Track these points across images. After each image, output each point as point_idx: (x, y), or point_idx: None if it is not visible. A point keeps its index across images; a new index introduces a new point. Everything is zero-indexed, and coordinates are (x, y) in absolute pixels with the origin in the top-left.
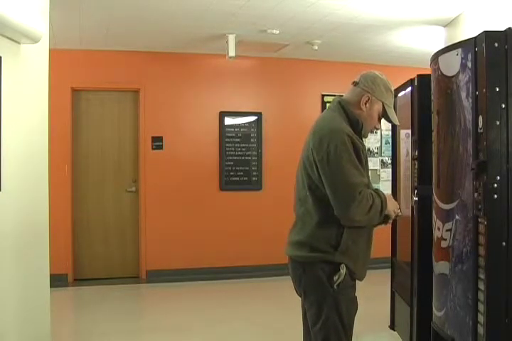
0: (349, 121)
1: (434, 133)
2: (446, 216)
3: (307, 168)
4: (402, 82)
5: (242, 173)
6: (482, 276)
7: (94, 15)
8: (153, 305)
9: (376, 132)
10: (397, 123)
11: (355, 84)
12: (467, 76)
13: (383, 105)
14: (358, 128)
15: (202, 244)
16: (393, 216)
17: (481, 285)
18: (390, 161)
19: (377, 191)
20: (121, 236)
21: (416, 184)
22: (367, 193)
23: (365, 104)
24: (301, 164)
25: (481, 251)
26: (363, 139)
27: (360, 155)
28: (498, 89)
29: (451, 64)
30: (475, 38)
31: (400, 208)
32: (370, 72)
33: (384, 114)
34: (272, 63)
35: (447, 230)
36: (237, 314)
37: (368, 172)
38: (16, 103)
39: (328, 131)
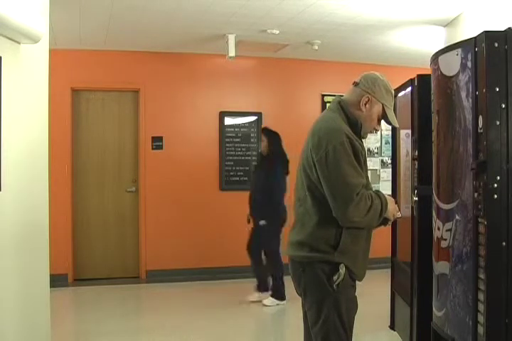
0: (348, 121)
1: (434, 133)
2: (446, 216)
3: (306, 169)
4: (402, 82)
5: (242, 173)
6: (482, 276)
7: (94, 15)
8: (153, 305)
9: (376, 132)
10: (396, 125)
11: (355, 84)
12: (467, 76)
13: (383, 107)
14: (357, 129)
15: (202, 243)
16: (392, 219)
17: (481, 285)
18: (390, 161)
19: (377, 193)
20: (121, 236)
21: (416, 184)
22: (365, 194)
23: (365, 104)
24: (301, 164)
25: (481, 251)
26: (362, 140)
27: (359, 156)
28: (498, 89)
29: (451, 64)
30: (475, 38)
31: (399, 210)
32: (371, 73)
33: (384, 116)
34: (272, 63)
35: (447, 230)
36: (237, 314)
37: (366, 173)
38: (16, 103)
39: (327, 131)
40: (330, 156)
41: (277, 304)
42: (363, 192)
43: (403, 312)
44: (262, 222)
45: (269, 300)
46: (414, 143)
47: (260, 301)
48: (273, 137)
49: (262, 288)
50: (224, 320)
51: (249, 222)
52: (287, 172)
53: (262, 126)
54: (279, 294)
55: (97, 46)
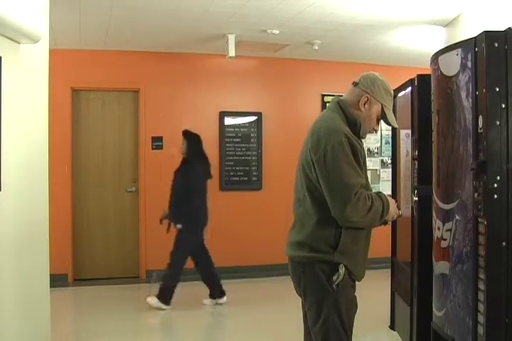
0: (347, 121)
1: (434, 133)
2: (446, 216)
3: (305, 169)
4: (402, 82)
5: (242, 173)
6: (482, 276)
7: (94, 15)
8: (153, 305)
9: (376, 132)
10: (395, 125)
11: (354, 84)
12: (467, 76)
13: (382, 107)
14: (356, 129)
15: None
16: (390, 220)
17: (481, 285)
18: (390, 161)
19: (379, 194)
20: (121, 236)
21: (416, 184)
22: (364, 194)
23: (364, 104)
24: (300, 164)
25: (481, 251)
26: (362, 140)
27: (358, 155)
28: (498, 89)
29: (451, 64)
30: (475, 38)
31: (400, 210)
32: (370, 73)
33: (383, 116)
34: (271, 63)
35: (447, 230)
36: (237, 314)
37: (366, 173)
38: (16, 103)
39: (326, 131)
40: (328, 156)
41: (161, 308)
42: (362, 192)
43: (403, 312)
44: (179, 226)
45: (153, 300)
46: (414, 143)
47: (162, 309)
48: (192, 139)
49: (165, 299)
50: (224, 320)
51: (161, 222)
52: (209, 176)
53: (261, 127)
54: (165, 298)
55: (97, 46)
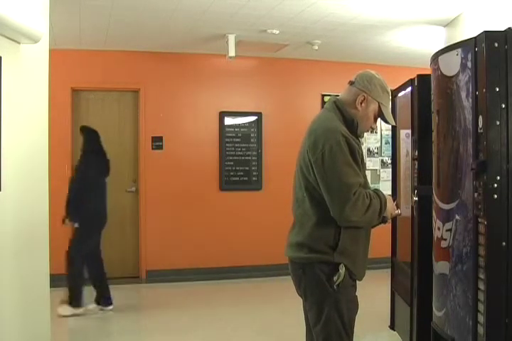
0: (345, 120)
1: (434, 133)
2: (446, 216)
3: (303, 169)
4: (402, 82)
5: (242, 173)
6: (482, 276)
7: (94, 15)
8: (153, 305)
9: (376, 132)
10: (393, 123)
11: (351, 83)
12: (467, 76)
13: (379, 105)
14: (354, 128)
15: (202, 244)
16: (390, 218)
17: (481, 285)
18: (390, 161)
19: (376, 191)
20: (122, 236)
21: (416, 184)
22: (363, 193)
23: (361, 103)
24: (298, 165)
25: (481, 251)
26: (360, 139)
27: (356, 155)
28: (498, 89)
29: (451, 64)
30: (475, 38)
31: (399, 208)
32: (367, 71)
33: (380, 114)
34: (271, 63)
35: (447, 230)
36: (237, 314)
37: (364, 172)
38: (16, 103)
39: (323, 131)
40: (326, 156)
41: (74, 313)
42: (361, 191)
43: (403, 312)
44: (76, 225)
45: (65, 309)
46: (414, 143)
47: (78, 315)
48: (88, 135)
49: (75, 302)
50: (224, 320)
51: (63, 222)
52: (107, 174)
53: (261, 127)
54: (76, 302)
55: (97, 46)
